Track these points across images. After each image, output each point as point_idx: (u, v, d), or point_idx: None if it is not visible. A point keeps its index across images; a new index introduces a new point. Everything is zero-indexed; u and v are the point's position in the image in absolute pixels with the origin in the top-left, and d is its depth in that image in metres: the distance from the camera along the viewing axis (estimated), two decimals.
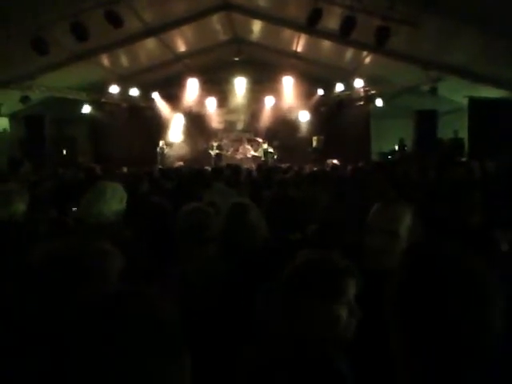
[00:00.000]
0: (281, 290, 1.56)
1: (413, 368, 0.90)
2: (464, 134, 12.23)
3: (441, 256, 0.95)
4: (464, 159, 10.31)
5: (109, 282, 1.30)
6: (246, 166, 12.59)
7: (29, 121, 13.38)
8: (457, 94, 12.53)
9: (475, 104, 11.59)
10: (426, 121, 13.34)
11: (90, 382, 0.77)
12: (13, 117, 13.78)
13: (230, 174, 6.62)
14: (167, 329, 0.83)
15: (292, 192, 3.72)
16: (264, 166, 11.03)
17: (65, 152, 15.04)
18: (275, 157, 16.11)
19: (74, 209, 3.57)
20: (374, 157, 14.97)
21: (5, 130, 13.61)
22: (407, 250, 1.12)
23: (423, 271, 0.93)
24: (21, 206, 2.72)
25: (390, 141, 15.59)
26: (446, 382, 0.87)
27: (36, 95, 12.70)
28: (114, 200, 2.72)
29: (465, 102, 11.82)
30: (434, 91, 12.17)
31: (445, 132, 13.38)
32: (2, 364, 1.20)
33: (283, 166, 10.80)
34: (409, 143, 14.52)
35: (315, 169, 9.51)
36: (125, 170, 11.10)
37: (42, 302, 1.27)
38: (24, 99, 12.17)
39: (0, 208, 2.63)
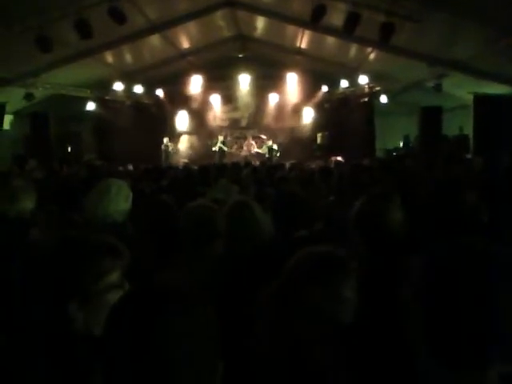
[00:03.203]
0: (283, 283, 1.66)
1: None
2: (469, 131, 12.19)
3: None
4: (469, 156, 10.27)
5: None
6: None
7: (33, 118, 13.40)
8: (461, 90, 12.47)
9: (480, 100, 11.54)
10: (431, 117, 13.28)
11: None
12: (17, 114, 13.80)
13: (234, 171, 6.62)
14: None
15: (294, 189, 3.71)
16: (268, 163, 11.03)
17: (69, 149, 15.10)
18: (278, 154, 16.06)
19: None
20: (379, 153, 14.92)
21: (9, 127, 13.64)
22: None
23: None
24: (28, 204, 2.67)
25: (395, 137, 15.56)
26: None
27: (40, 93, 12.70)
28: (120, 198, 2.64)
29: (469, 98, 11.77)
30: (438, 87, 12.10)
31: (450, 128, 13.33)
32: None
33: (288, 163, 10.77)
34: (413, 140, 14.49)
35: (320, 165, 9.48)
36: (130, 167, 11.14)
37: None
38: (28, 96, 12.14)
39: (7, 205, 2.61)
